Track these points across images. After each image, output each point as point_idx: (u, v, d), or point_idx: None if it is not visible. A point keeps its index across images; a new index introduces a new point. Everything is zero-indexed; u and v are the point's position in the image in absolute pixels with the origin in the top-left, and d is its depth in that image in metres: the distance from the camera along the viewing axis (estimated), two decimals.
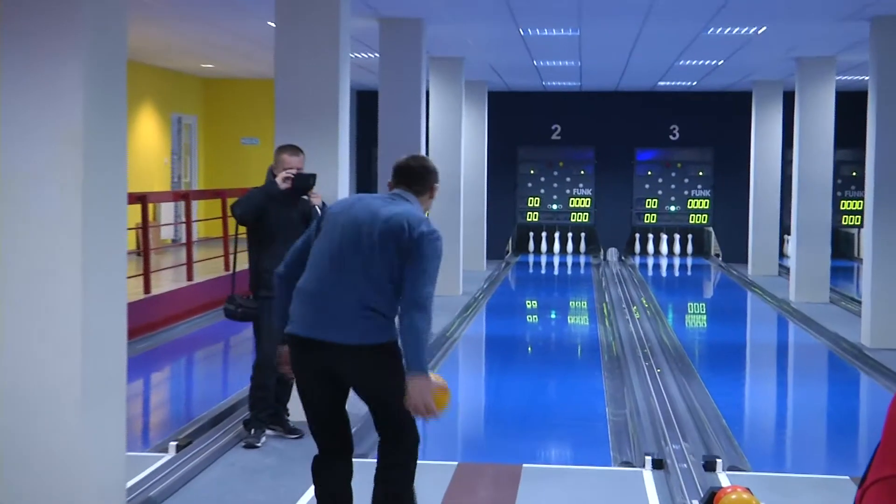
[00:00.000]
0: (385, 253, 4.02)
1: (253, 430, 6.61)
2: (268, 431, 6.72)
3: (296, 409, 6.97)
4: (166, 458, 6.17)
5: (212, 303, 12.52)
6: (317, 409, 4.23)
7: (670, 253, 21.16)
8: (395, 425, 4.19)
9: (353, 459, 4.43)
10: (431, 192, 4.26)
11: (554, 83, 19.22)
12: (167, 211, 17.97)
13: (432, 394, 3.99)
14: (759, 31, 12.32)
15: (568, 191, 21.25)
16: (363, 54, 14.80)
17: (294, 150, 6.60)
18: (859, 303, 12.19)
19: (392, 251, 4.02)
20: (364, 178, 20.74)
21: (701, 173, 20.96)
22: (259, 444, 6.56)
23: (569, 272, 19.00)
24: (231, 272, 6.90)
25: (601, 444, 6.84)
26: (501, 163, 20.60)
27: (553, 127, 21.05)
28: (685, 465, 6.21)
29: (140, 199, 11.63)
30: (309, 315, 4.07)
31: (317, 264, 4.10)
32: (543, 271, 19.30)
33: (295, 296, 4.13)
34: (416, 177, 4.24)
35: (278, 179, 6.49)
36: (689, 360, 9.83)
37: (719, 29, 12.11)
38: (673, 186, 21.06)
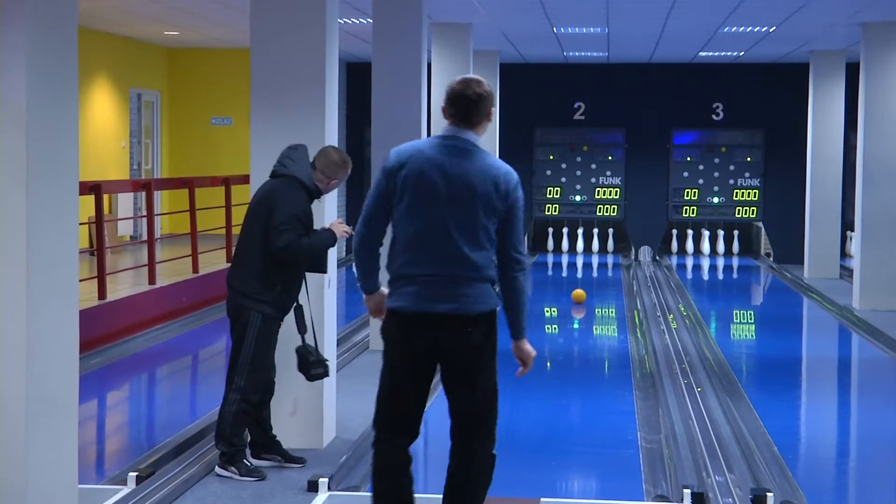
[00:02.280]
0: (479, 214, 4.72)
1: (248, 462, 6.63)
2: (256, 462, 6.74)
3: (289, 438, 6.98)
4: (125, 491, 6.18)
5: (177, 310, 12.54)
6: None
7: (713, 252, 21.16)
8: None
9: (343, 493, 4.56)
10: (489, 116, 4.86)
11: (577, 54, 19.22)
12: (125, 203, 17.99)
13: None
14: None
15: (593, 180, 21.25)
16: (354, 20, 14.79)
17: None
18: None
19: (485, 211, 4.72)
20: (355, 163, 20.74)
21: (749, 159, 20.96)
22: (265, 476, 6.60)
23: (594, 274, 19.00)
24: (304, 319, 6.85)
25: (632, 474, 6.85)
26: (516, 147, 20.60)
27: (576, 105, 21.05)
28: (730, 501, 6.22)
29: (94, 188, 11.65)
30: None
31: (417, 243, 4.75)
32: (565, 273, 19.29)
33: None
34: (473, 110, 4.81)
35: (341, 231, 6.71)
36: (735, 377, 9.84)
37: None
38: (716, 175, 21.05)
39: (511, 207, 4.74)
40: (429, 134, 13.99)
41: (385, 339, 4.83)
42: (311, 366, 6.73)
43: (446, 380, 4.85)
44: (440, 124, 16.18)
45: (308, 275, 6.81)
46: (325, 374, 6.80)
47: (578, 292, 15.11)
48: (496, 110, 18.30)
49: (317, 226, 6.79)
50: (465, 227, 4.69)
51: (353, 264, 4.98)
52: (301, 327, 6.73)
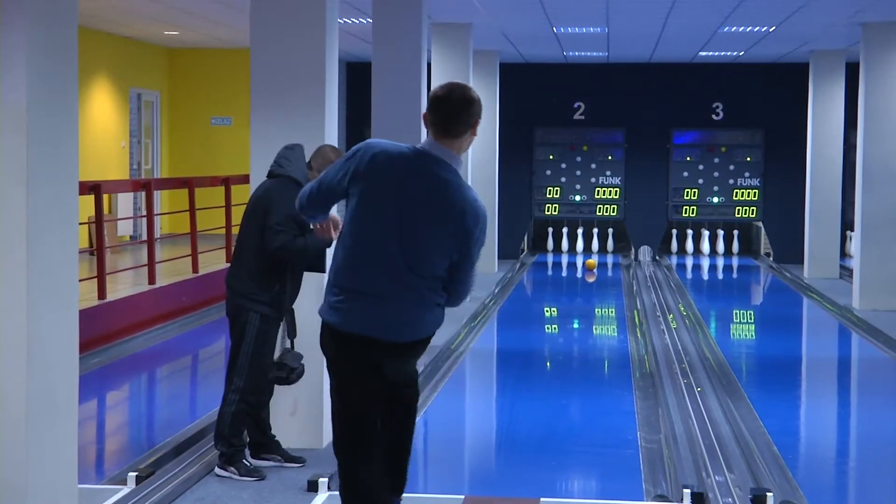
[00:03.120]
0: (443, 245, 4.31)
1: (248, 462, 6.64)
2: (256, 462, 6.74)
3: (289, 438, 6.98)
4: (124, 491, 6.17)
5: (177, 310, 12.54)
6: None
7: (713, 252, 21.15)
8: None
9: None
10: (474, 128, 4.37)
11: (577, 54, 19.22)
12: (125, 203, 17.99)
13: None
14: None
15: (593, 179, 21.25)
16: (354, 19, 14.79)
17: None
18: None
19: (443, 242, 4.30)
20: None
21: (749, 159, 20.96)
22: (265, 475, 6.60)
23: (594, 274, 19.00)
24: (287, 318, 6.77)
25: (632, 474, 6.85)
26: (515, 147, 20.60)
27: (576, 105, 21.05)
28: (730, 500, 6.21)
29: (93, 188, 11.65)
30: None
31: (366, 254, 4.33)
32: (564, 273, 19.28)
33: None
34: (455, 118, 4.33)
35: (329, 235, 6.60)
36: (735, 377, 9.84)
37: None
38: (716, 174, 21.05)
39: (469, 249, 4.31)
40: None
41: (324, 353, 4.43)
42: (296, 372, 6.67)
43: (386, 410, 4.43)
44: None
45: (306, 274, 6.81)
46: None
47: (590, 261, 18.62)
48: (496, 111, 18.31)
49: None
50: (416, 251, 4.25)
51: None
52: (292, 331, 6.71)
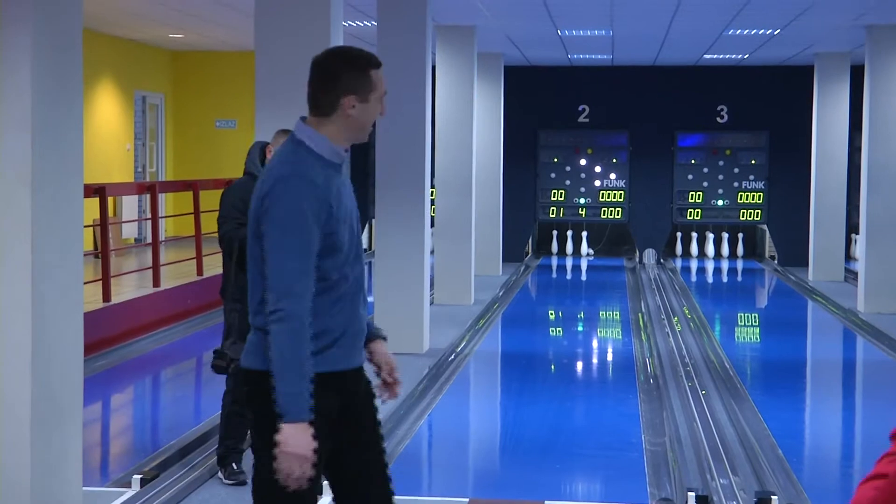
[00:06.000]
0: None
1: (234, 465, 6.62)
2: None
3: None
4: (129, 493, 6.18)
5: (182, 313, 12.54)
6: None
7: (717, 255, 21.14)
8: None
9: None
10: (335, 101, 3.51)
11: (581, 56, 19.22)
12: (130, 205, 18.01)
13: None
14: None
15: (597, 182, 21.24)
16: (358, 22, 14.80)
17: None
18: None
19: (254, 231, 3.43)
20: (359, 169, 20.78)
21: (753, 162, 20.94)
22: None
23: (599, 277, 18.99)
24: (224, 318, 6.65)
25: (636, 477, 6.85)
26: (520, 149, 20.60)
27: (580, 108, 21.05)
28: (735, 503, 6.21)
29: (98, 191, 11.67)
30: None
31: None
32: (569, 276, 19.27)
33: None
34: (309, 88, 3.52)
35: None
36: (740, 380, 9.83)
37: None
38: (721, 177, 21.04)
39: (264, 224, 3.33)
40: (433, 137, 14.00)
41: None
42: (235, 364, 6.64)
43: None
44: (443, 127, 16.23)
45: None
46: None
47: None
48: (500, 113, 18.30)
49: None
50: (249, 253, 3.41)
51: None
52: None
